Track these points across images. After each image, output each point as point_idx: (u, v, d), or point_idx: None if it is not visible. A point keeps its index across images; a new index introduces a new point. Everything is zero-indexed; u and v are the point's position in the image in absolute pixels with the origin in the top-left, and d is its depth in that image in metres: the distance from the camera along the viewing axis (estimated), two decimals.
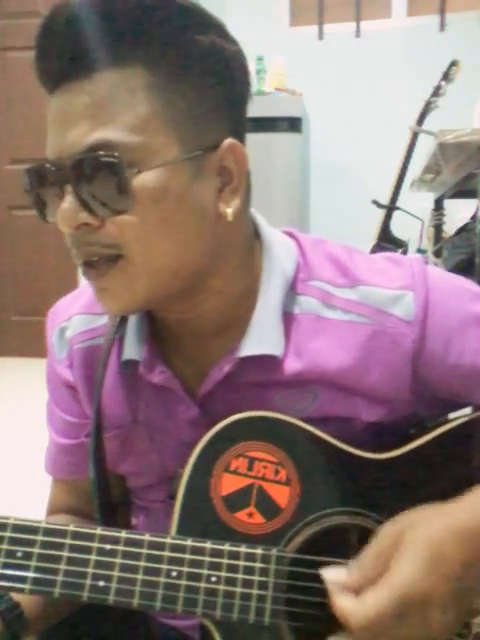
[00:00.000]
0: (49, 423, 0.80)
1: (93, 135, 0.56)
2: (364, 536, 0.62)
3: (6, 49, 3.98)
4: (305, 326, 0.67)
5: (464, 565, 0.52)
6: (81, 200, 0.57)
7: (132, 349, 0.69)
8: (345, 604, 0.52)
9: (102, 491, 0.72)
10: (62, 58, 0.57)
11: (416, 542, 0.52)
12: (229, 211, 0.61)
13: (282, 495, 0.61)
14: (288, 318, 0.67)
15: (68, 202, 0.57)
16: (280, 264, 0.67)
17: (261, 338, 0.65)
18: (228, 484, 0.61)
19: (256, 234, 0.70)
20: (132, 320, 0.70)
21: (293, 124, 3.43)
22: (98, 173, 0.56)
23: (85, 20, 0.56)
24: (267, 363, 0.66)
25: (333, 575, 0.55)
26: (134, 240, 0.58)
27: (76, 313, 0.75)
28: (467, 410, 0.69)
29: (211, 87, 0.60)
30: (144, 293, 0.61)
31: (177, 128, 0.58)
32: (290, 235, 0.72)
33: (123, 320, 0.71)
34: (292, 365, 0.66)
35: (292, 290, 0.67)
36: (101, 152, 0.56)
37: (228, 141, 0.61)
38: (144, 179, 0.57)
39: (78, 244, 0.60)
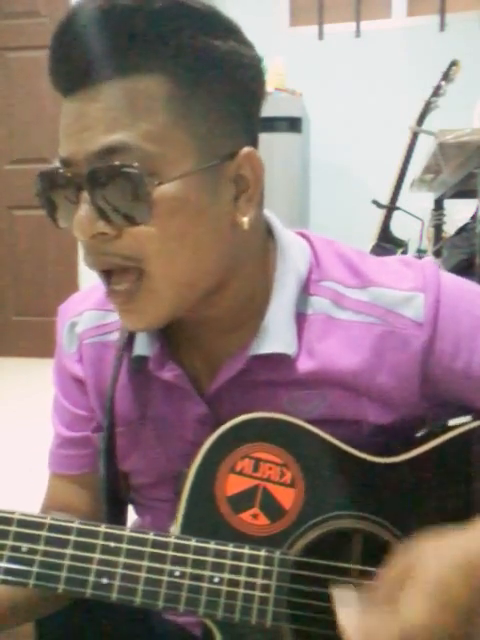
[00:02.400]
0: (55, 416, 0.79)
1: (110, 137, 0.55)
2: (368, 540, 0.62)
3: (6, 49, 3.98)
4: (316, 326, 0.67)
5: (471, 601, 0.51)
6: (98, 209, 0.56)
7: (143, 345, 0.69)
8: (354, 637, 0.51)
9: (111, 487, 0.72)
10: (79, 63, 0.56)
11: (423, 579, 0.51)
12: (245, 220, 0.61)
13: (287, 497, 0.61)
14: (300, 318, 0.67)
15: (84, 210, 0.56)
16: (294, 265, 0.67)
17: (275, 337, 0.65)
18: (233, 485, 0.61)
19: (269, 234, 0.70)
20: None
21: (293, 124, 3.43)
22: (117, 182, 0.55)
23: (103, 25, 0.55)
24: (279, 362, 0.65)
25: (346, 607, 0.54)
26: (154, 253, 0.58)
27: (87, 309, 0.76)
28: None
29: (229, 94, 0.59)
30: (167, 309, 0.61)
31: (195, 137, 0.57)
32: (302, 236, 0.72)
33: None
34: (304, 365, 0.66)
35: (305, 291, 0.67)
36: (118, 162, 0.55)
37: (246, 150, 0.60)
38: (164, 190, 0.56)
39: (95, 253, 0.59)
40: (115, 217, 0.57)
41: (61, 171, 0.58)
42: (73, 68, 0.57)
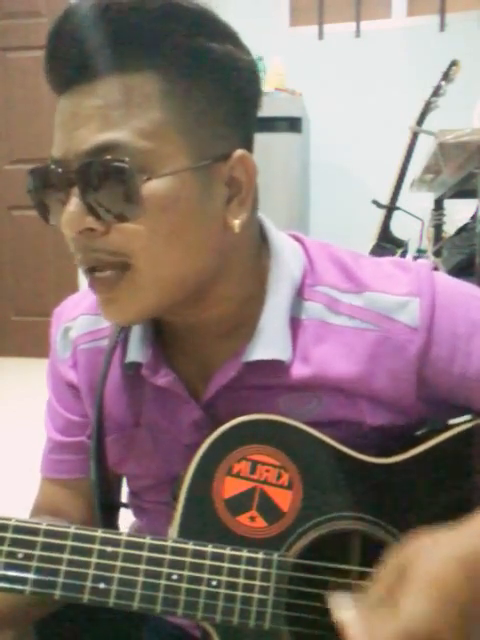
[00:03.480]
0: (49, 420, 0.79)
1: (104, 135, 0.55)
2: (367, 541, 0.62)
3: (6, 49, 3.98)
4: (311, 332, 0.66)
5: (470, 596, 0.50)
6: (87, 204, 0.56)
7: (136, 351, 0.69)
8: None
9: (102, 492, 0.72)
10: (75, 60, 0.56)
11: (421, 577, 0.50)
12: (237, 223, 0.61)
13: (284, 499, 0.61)
14: (295, 323, 0.66)
15: (74, 205, 0.56)
16: (288, 269, 0.67)
17: (269, 343, 0.65)
18: (230, 487, 0.61)
19: (262, 237, 0.69)
20: None
21: (293, 124, 3.43)
22: (107, 178, 0.55)
23: (100, 23, 0.55)
24: (273, 367, 0.65)
25: (344, 611, 0.54)
26: (141, 250, 0.57)
27: (82, 313, 0.75)
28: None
29: (224, 96, 0.60)
30: (149, 304, 0.61)
31: (189, 136, 0.58)
32: (296, 239, 0.72)
33: None
34: (298, 370, 0.65)
35: (299, 295, 0.67)
36: (109, 157, 0.55)
37: (239, 152, 0.60)
38: (154, 186, 0.56)
39: (83, 249, 0.59)
40: (104, 213, 0.57)
41: (52, 168, 0.58)
42: (68, 64, 0.57)
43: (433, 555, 0.51)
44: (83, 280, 0.63)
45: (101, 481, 0.72)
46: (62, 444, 0.77)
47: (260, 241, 0.69)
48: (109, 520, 0.74)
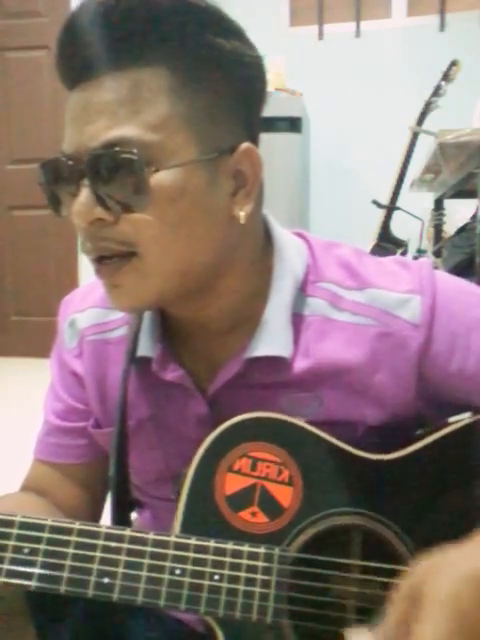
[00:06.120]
0: (49, 403, 0.80)
1: (113, 132, 0.57)
2: (367, 536, 0.62)
3: (6, 49, 3.98)
4: (313, 327, 0.67)
5: None
6: (97, 196, 0.58)
7: (146, 346, 0.70)
8: None
9: (120, 488, 0.73)
10: (86, 54, 0.58)
11: (434, 599, 0.49)
12: (242, 214, 0.62)
13: (285, 495, 0.62)
14: (297, 319, 0.67)
15: (84, 196, 0.58)
16: (291, 266, 0.68)
17: (271, 339, 0.66)
18: (232, 484, 0.62)
19: (267, 235, 0.70)
20: (146, 317, 0.71)
21: (293, 124, 3.44)
22: (116, 170, 0.57)
23: (109, 18, 0.57)
24: (276, 364, 0.66)
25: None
26: (149, 239, 0.59)
27: (91, 305, 0.76)
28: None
29: (230, 91, 0.61)
30: (155, 291, 0.62)
31: (196, 129, 0.59)
32: (301, 236, 0.73)
33: (138, 316, 0.72)
34: (300, 365, 0.66)
35: (302, 292, 0.68)
36: (118, 148, 0.56)
37: (245, 145, 0.62)
38: (162, 178, 0.57)
39: (92, 239, 0.60)
40: (113, 204, 0.58)
41: (63, 160, 0.59)
42: (78, 59, 0.58)
43: (446, 575, 0.50)
44: (83, 280, 0.64)
45: (120, 476, 0.73)
46: (59, 428, 0.78)
47: (264, 237, 0.70)
48: (124, 517, 0.75)
